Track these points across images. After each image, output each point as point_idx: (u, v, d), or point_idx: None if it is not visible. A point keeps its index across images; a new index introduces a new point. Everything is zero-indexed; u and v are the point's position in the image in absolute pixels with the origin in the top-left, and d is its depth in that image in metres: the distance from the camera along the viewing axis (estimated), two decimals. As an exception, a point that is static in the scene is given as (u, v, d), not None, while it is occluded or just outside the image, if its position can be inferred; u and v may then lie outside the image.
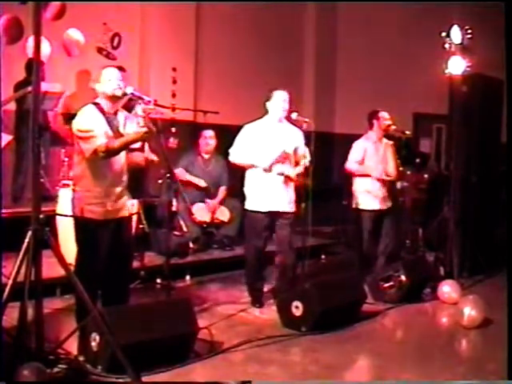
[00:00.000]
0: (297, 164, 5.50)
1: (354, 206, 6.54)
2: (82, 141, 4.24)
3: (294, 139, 5.49)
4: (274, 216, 5.42)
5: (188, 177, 7.00)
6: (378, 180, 6.42)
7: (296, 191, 5.50)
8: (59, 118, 6.87)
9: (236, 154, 5.49)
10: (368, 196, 6.42)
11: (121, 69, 7.13)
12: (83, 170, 4.33)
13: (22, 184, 6.65)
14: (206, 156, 7.21)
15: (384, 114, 6.46)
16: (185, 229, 6.44)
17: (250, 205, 5.50)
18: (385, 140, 6.57)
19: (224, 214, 7.09)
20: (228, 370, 4.02)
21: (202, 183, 7.08)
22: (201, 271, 6.52)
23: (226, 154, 5.73)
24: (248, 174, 5.51)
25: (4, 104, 5.91)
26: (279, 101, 5.39)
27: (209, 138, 7.14)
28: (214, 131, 7.21)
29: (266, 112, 5.51)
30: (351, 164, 6.47)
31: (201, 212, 6.90)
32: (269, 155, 5.35)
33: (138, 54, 8.49)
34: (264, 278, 5.67)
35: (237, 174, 6.34)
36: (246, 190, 5.54)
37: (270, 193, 5.38)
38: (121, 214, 4.45)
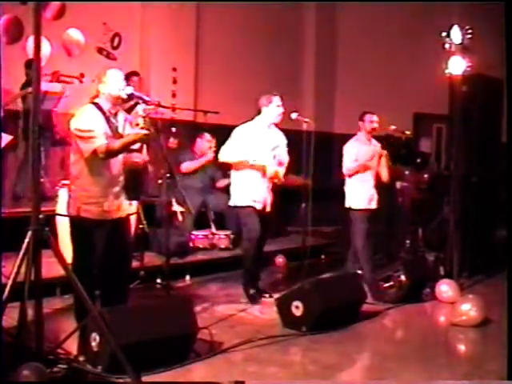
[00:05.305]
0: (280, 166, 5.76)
1: (346, 205, 6.49)
2: (82, 140, 4.22)
3: (281, 143, 5.76)
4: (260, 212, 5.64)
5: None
6: (368, 168, 6.31)
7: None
8: (59, 118, 6.87)
9: (225, 153, 5.66)
10: (358, 195, 6.35)
11: (135, 74, 7.16)
12: (81, 169, 4.31)
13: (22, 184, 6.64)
14: None
15: (370, 116, 6.36)
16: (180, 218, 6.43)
17: (242, 201, 5.62)
18: (373, 142, 6.50)
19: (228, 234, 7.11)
20: (228, 369, 4.02)
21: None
22: (201, 271, 6.53)
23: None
24: (234, 174, 5.69)
25: (6, 104, 5.92)
26: (276, 106, 5.60)
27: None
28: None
29: (258, 113, 5.67)
30: (348, 165, 6.38)
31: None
32: (258, 156, 5.53)
33: (138, 53, 8.49)
34: (259, 276, 5.84)
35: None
36: (235, 188, 5.68)
37: (258, 190, 5.58)
38: (118, 215, 4.43)
